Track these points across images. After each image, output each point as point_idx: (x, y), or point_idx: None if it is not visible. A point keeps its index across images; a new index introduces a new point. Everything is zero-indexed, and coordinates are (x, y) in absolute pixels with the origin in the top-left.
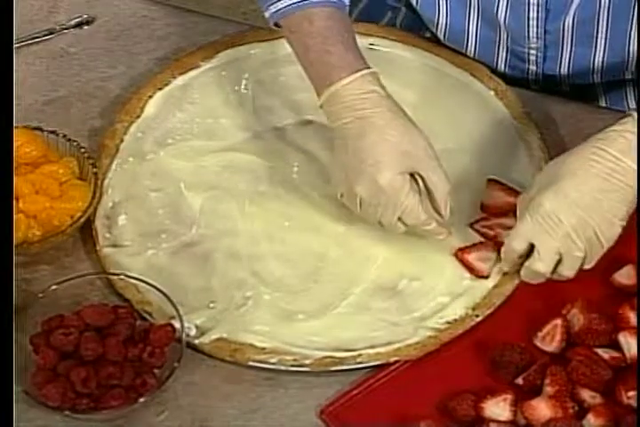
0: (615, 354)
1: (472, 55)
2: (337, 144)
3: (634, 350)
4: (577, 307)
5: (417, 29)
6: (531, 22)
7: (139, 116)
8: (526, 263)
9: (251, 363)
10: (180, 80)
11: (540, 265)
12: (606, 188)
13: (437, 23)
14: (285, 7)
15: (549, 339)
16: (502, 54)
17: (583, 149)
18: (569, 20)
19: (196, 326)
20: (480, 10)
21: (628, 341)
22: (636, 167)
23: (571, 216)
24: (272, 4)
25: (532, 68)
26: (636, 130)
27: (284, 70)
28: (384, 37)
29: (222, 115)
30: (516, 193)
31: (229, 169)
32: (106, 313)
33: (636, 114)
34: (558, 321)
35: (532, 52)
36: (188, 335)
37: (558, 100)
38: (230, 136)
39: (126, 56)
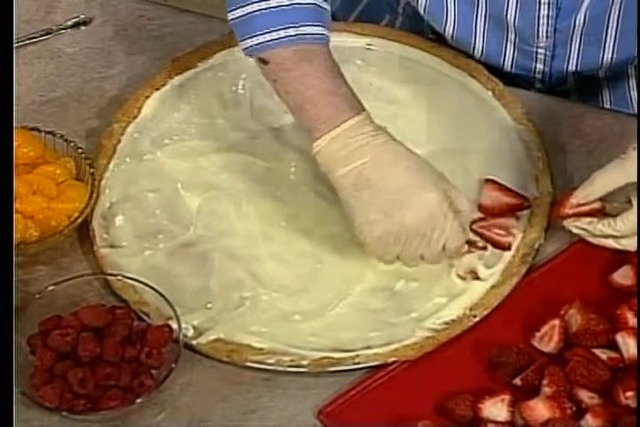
0: (613, 355)
1: (479, 56)
2: (357, 187)
3: (632, 351)
4: (575, 307)
5: (418, 32)
6: (541, 21)
7: (136, 117)
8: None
9: (248, 364)
10: (177, 80)
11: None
12: None
13: (445, 27)
14: (272, 41)
15: (547, 339)
16: (509, 54)
17: None
18: (580, 18)
19: (194, 327)
20: (488, 10)
21: (625, 341)
22: None
23: None
24: (253, 36)
25: (540, 66)
26: None
27: None
28: (381, 37)
29: (219, 115)
30: (514, 193)
31: (226, 169)
32: (103, 314)
33: None
34: (556, 322)
35: (541, 51)
36: (185, 336)
37: (557, 100)
38: (227, 136)
39: (123, 56)
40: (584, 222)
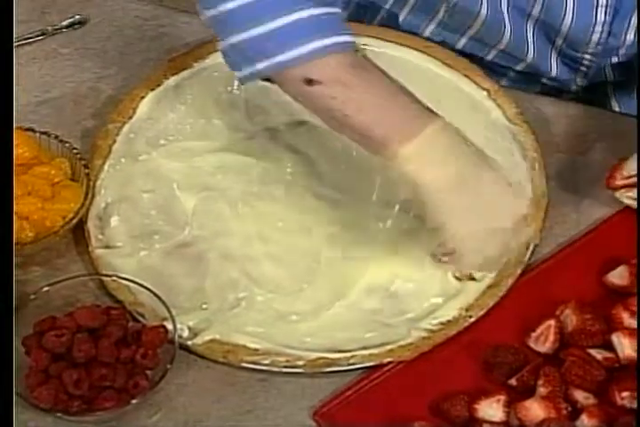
0: (608, 355)
1: (530, 61)
2: (456, 189)
3: (627, 351)
4: (570, 308)
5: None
6: (596, 28)
7: (131, 117)
8: None
9: (244, 364)
10: (172, 81)
11: None
12: None
13: (503, 33)
14: (308, 52)
15: (543, 340)
16: (553, 60)
17: None
18: (634, 20)
19: (189, 328)
20: (539, 19)
21: (621, 341)
22: None
23: None
24: (281, 52)
25: (583, 69)
26: None
27: None
28: (378, 38)
29: (215, 115)
30: None
31: (222, 170)
32: (98, 315)
33: None
34: (552, 322)
35: (587, 57)
36: (180, 337)
37: (552, 101)
38: (223, 137)
39: (119, 57)
40: (637, 193)
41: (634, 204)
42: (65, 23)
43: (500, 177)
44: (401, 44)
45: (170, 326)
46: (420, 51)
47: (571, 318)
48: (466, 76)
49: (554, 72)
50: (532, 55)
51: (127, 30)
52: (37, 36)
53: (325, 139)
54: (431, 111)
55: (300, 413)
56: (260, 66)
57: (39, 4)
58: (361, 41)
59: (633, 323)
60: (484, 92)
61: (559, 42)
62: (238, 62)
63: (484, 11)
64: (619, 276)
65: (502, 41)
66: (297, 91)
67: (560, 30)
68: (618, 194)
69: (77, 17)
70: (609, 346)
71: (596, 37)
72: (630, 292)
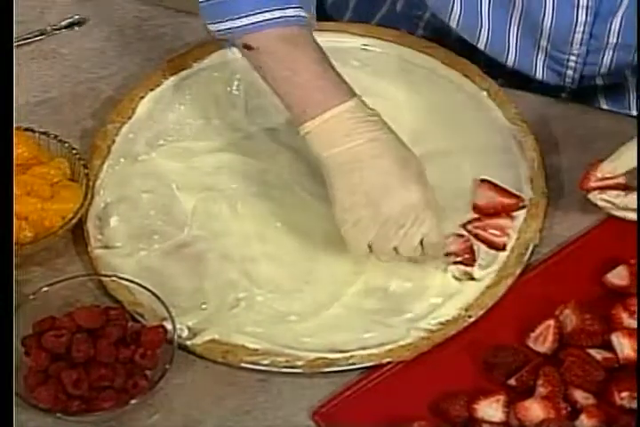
0: (608, 355)
1: (511, 65)
2: (344, 169)
3: (627, 351)
4: (570, 308)
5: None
6: (578, 28)
7: (130, 117)
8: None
9: (243, 364)
10: (171, 81)
11: None
12: None
13: (479, 37)
14: (256, 24)
15: (542, 340)
16: (540, 62)
17: None
18: (617, 22)
19: (188, 328)
20: (522, 18)
21: (620, 341)
22: None
23: None
24: (235, 18)
25: (570, 72)
26: None
27: None
28: (377, 38)
29: (214, 115)
30: (509, 194)
31: (221, 170)
32: (97, 315)
33: None
34: (551, 322)
35: (573, 58)
36: (179, 337)
37: (551, 101)
38: (222, 137)
39: (118, 57)
40: (611, 195)
41: (607, 206)
42: (64, 23)
43: (398, 167)
44: (401, 44)
45: (169, 327)
46: (420, 51)
47: (570, 318)
48: (466, 76)
49: (539, 74)
50: (513, 56)
51: (126, 30)
52: (37, 36)
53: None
54: (349, 92)
55: (299, 413)
56: (213, 28)
57: (38, 5)
58: (361, 41)
59: (632, 323)
60: (484, 92)
61: (544, 43)
62: (205, 19)
63: (457, 8)
64: (618, 276)
65: (480, 39)
66: (241, 51)
67: (542, 30)
68: (591, 196)
69: (76, 17)
70: (608, 346)
71: (578, 37)
72: (630, 292)
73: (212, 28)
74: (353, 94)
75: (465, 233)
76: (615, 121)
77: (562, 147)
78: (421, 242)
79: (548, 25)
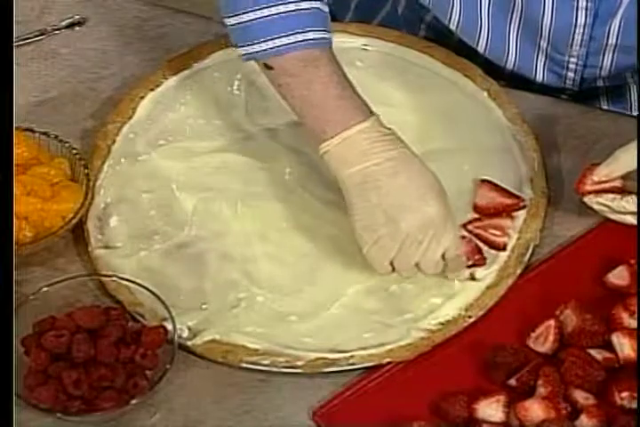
0: (608, 355)
1: (511, 67)
2: (362, 189)
3: (627, 351)
4: (570, 308)
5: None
6: (577, 30)
7: (131, 117)
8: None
9: (243, 364)
10: (172, 81)
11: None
12: None
13: (478, 39)
14: (277, 48)
15: (542, 340)
16: (540, 64)
17: None
18: (616, 24)
19: (189, 328)
20: (522, 20)
21: (620, 341)
22: None
23: None
24: (256, 43)
25: (571, 74)
26: None
27: None
28: (377, 38)
29: (214, 116)
30: (509, 194)
31: (222, 170)
32: (97, 315)
33: None
34: (551, 322)
35: (573, 60)
36: (180, 337)
37: (551, 101)
38: (222, 137)
39: (118, 57)
40: (607, 199)
41: (603, 209)
42: (64, 23)
43: (415, 184)
44: (401, 44)
45: (169, 327)
46: (420, 51)
47: (570, 318)
48: (466, 76)
49: (539, 77)
50: (513, 58)
51: (126, 30)
52: (37, 36)
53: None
54: (366, 112)
55: (299, 413)
56: (241, 51)
57: (38, 5)
58: (361, 41)
59: (633, 323)
60: (484, 93)
61: (544, 45)
62: (233, 42)
63: (456, 10)
64: (618, 276)
65: (480, 41)
66: (262, 70)
67: (542, 31)
68: (587, 199)
69: (76, 17)
70: (609, 346)
71: (578, 39)
72: (630, 292)
73: (240, 52)
74: (370, 114)
75: (466, 234)
76: (616, 121)
77: (562, 147)
78: (443, 256)
79: (548, 26)
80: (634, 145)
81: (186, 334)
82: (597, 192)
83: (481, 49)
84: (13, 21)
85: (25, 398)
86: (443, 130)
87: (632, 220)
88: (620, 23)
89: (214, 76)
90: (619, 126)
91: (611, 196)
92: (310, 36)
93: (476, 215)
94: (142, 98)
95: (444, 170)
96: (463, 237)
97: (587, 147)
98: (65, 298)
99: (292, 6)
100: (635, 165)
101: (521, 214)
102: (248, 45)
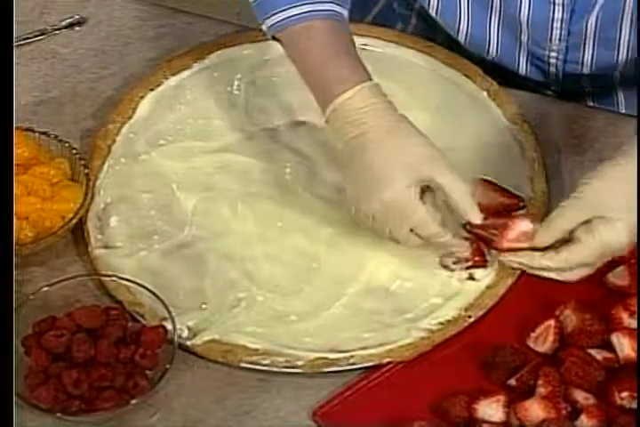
0: (608, 355)
1: (492, 59)
2: (344, 162)
3: (627, 351)
4: (570, 308)
5: (430, 37)
6: (555, 24)
7: (131, 117)
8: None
9: (243, 364)
10: (172, 81)
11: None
12: None
13: (458, 29)
14: (283, 20)
15: (542, 340)
16: (522, 57)
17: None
18: (592, 21)
19: (188, 328)
20: (502, 12)
21: (620, 341)
22: None
23: None
24: (268, 17)
25: (553, 70)
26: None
27: (277, 71)
28: (377, 37)
29: (214, 116)
30: (509, 193)
31: (222, 170)
32: (97, 315)
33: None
34: (551, 322)
35: (553, 54)
36: (180, 337)
37: (551, 101)
38: (223, 137)
39: (118, 57)
40: (523, 256)
41: (521, 267)
42: (64, 23)
43: (379, 162)
44: (401, 44)
45: (169, 327)
46: (420, 51)
47: (570, 318)
48: (466, 76)
49: (522, 70)
50: (495, 50)
51: (126, 30)
52: (37, 36)
53: (325, 139)
54: (353, 81)
55: (299, 413)
56: (263, 26)
57: (38, 5)
58: (360, 41)
59: (632, 323)
60: (484, 92)
61: (524, 38)
62: (257, 18)
63: None
64: (618, 276)
65: (460, 31)
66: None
67: (521, 25)
68: (502, 257)
69: (76, 17)
70: (608, 346)
71: (556, 33)
72: (630, 292)
73: (265, 26)
74: (356, 82)
75: (467, 235)
76: (616, 121)
77: (562, 147)
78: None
79: (525, 20)
80: (568, 205)
81: (186, 333)
82: (513, 250)
83: (462, 39)
84: (13, 21)
85: (25, 398)
86: (442, 129)
87: (553, 275)
88: (597, 20)
89: (214, 76)
90: (617, 126)
91: (525, 253)
92: (315, 7)
93: None
94: (142, 98)
95: None
96: (466, 239)
97: (586, 146)
98: (65, 298)
99: None
100: (570, 227)
101: (521, 214)
102: (266, 18)
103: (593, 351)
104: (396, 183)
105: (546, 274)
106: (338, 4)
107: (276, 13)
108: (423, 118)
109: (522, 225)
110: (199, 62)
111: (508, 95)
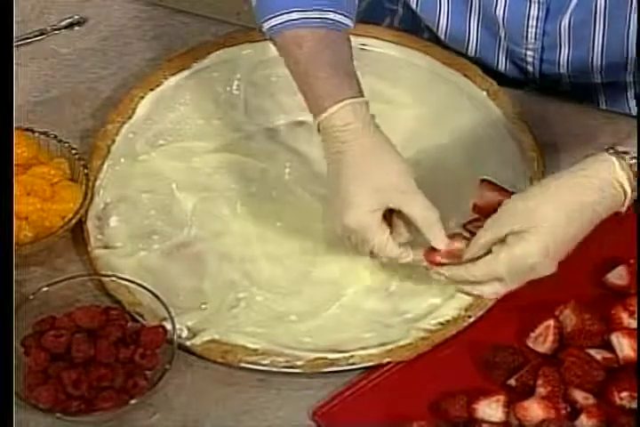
0: (608, 355)
1: (472, 55)
2: (327, 173)
3: (626, 351)
4: (569, 308)
5: (415, 31)
6: (530, 22)
7: (130, 117)
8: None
9: (242, 364)
10: (171, 81)
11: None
12: None
13: (438, 24)
14: (277, 25)
15: (542, 340)
16: (502, 55)
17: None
18: (566, 22)
19: (188, 328)
20: (481, 8)
21: (620, 341)
22: None
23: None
24: (266, 20)
25: (530, 68)
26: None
27: (276, 71)
28: (376, 38)
29: (214, 115)
30: (509, 193)
31: (221, 170)
32: (97, 315)
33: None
34: (551, 322)
35: (530, 53)
36: (179, 337)
37: (550, 100)
38: (222, 137)
39: (118, 57)
40: (447, 269)
41: (442, 279)
42: (64, 23)
43: (346, 187)
44: (401, 44)
45: (169, 327)
46: (420, 51)
47: (570, 318)
48: (466, 76)
49: (501, 66)
50: (474, 46)
51: (126, 30)
52: (36, 36)
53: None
54: (334, 98)
55: (298, 413)
56: (263, 28)
57: (38, 5)
58: (359, 41)
59: (632, 323)
60: (484, 92)
61: (502, 35)
62: (256, 19)
63: None
64: (618, 276)
65: (440, 26)
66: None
67: (498, 21)
68: (431, 271)
69: (76, 17)
70: (608, 346)
71: (532, 32)
72: (630, 292)
73: (262, 28)
74: (340, 99)
75: (466, 234)
76: (615, 120)
77: (562, 147)
78: None
79: (501, 16)
80: (489, 223)
81: (185, 334)
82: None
83: (442, 35)
84: (13, 21)
85: (25, 398)
86: (441, 129)
87: (469, 289)
88: (570, 21)
89: (214, 75)
90: (616, 125)
91: (449, 269)
92: (312, 15)
93: (476, 215)
94: (142, 98)
95: (442, 169)
96: (466, 238)
97: (585, 146)
98: (64, 298)
99: None
100: (490, 241)
101: None
102: (263, 22)
103: (592, 351)
104: (360, 208)
105: (466, 288)
106: (340, 14)
107: (272, 17)
108: (422, 118)
109: (455, 243)
110: (199, 62)
111: (507, 95)
